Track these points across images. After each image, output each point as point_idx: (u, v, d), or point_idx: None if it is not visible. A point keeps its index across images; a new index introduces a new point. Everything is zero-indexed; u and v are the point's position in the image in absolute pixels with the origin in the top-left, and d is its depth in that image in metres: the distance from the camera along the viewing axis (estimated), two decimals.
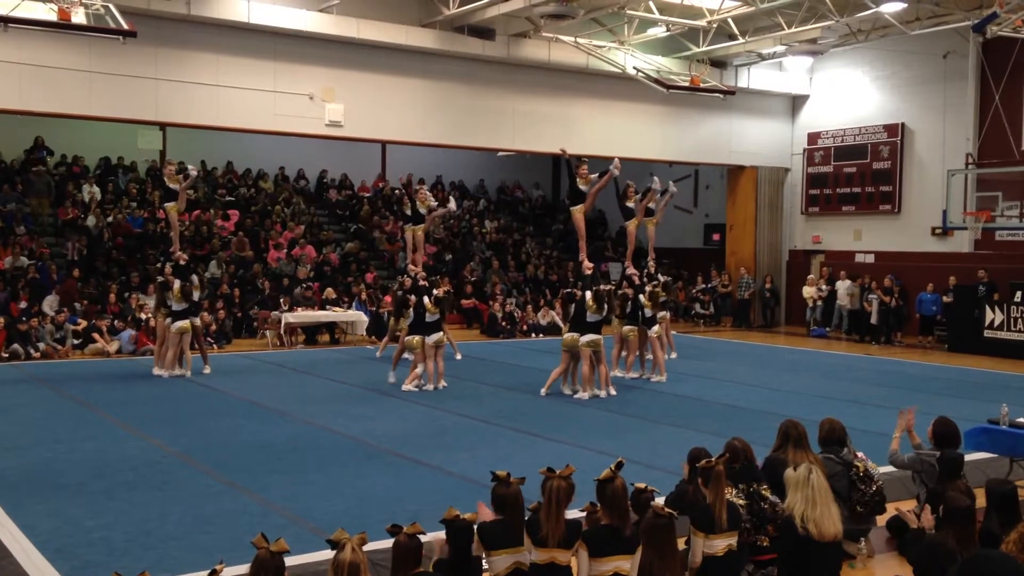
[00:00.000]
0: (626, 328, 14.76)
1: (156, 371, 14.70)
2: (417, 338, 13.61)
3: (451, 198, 18.46)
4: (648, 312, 14.52)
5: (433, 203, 16.19)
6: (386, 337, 17.53)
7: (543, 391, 13.15)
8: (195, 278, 14.94)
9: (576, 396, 12.93)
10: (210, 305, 18.88)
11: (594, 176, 13.95)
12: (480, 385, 14.09)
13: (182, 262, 14.78)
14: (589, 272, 13.32)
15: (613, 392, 13.07)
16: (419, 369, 13.62)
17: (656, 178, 15.96)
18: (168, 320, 14.58)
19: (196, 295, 14.94)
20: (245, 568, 4.77)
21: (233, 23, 17.34)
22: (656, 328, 14.72)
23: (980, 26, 16.69)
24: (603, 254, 27.30)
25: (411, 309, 13.79)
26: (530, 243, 27.82)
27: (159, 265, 17.46)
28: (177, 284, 14.54)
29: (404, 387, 13.45)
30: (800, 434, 6.44)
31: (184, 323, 14.53)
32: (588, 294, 12.76)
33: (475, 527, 4.90)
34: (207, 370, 14.91)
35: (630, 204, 15.57)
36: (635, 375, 14.85)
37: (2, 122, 20.64)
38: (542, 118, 21.32)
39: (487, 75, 20.48)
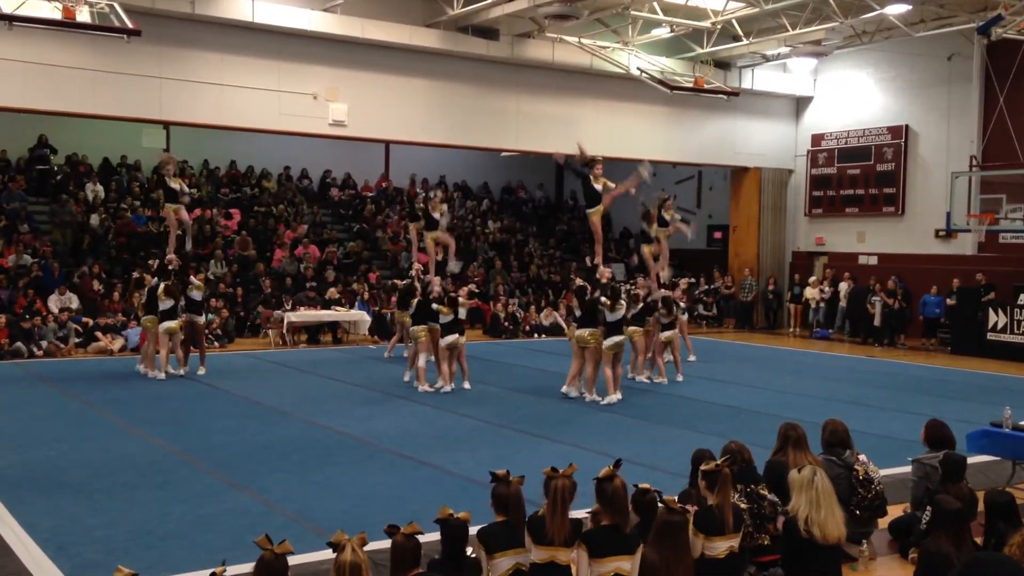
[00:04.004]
0: (631, 329, 14.68)
1: (141, 368, 14.63)
2: (422, 328, 13.58)
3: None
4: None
5: (445, 209, 15.91)
6: (394, 337, 17.51)
7: (581, 394, 12.95)
8: (193, 279, 14.79)
9: (589, 399, 12.84)
10: (210, 305, 18.89)
11: (610, 183, 13.29)
12: (482, 386, 14.08)
13: (171, 267, 14.50)
14: (606, 279, 12.83)
15: (619, 396, 12.78)
16: (421, 361, 13.58)
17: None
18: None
19: (199, 295, 14.88)
20: (246, 568, 4.78)
21: (237, 22, 17.34)
22: (668, 333, 14.67)
23: (985, 28, 16.67)
24: (606, 255, 27.24)
25: (415, 300, 13.77)
26: (533, 243, 27.80)
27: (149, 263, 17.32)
28: (161, 285, 14.31)
29: (420, 388, 13.42)
30: (799, 436, 6.44)
31: (172, 324, 14.32)
32: (603, 298, 12.53)
33: (476, 532, 4.89)
34: (201, 371, 14.80)
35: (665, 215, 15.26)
36: (644, 378, 14.75)
37: (6, 120, 20.65)
38: (546, 118, 21.30)
39: (491, 75, 20.48)
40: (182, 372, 14.60)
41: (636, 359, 14.81)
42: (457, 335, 13.46)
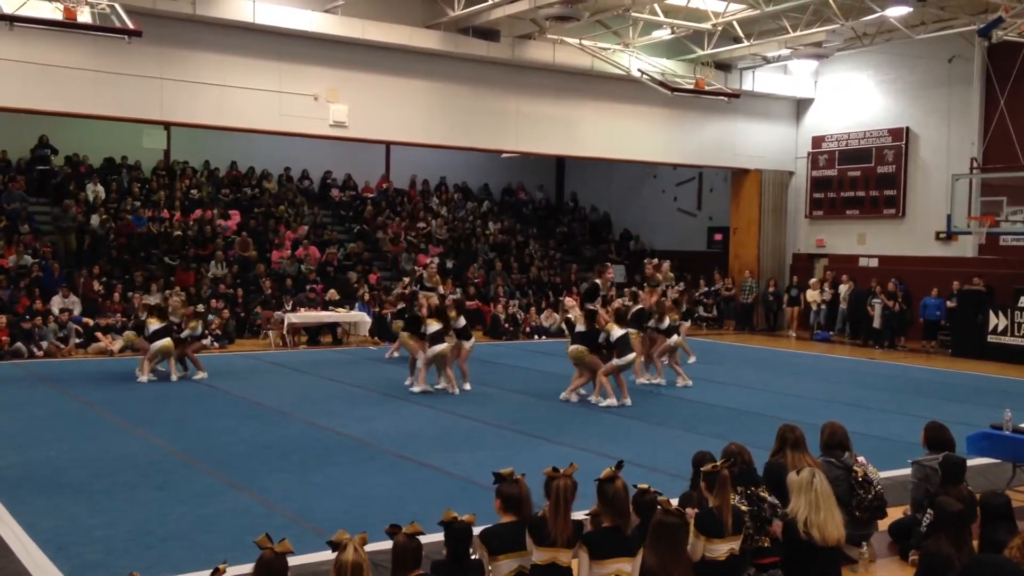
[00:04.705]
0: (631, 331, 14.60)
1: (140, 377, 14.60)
2: (406, 334, 13.67)
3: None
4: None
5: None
6: (398, 340, 17.46)
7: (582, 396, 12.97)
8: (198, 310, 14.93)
9: (594, 401, 12.80)
10: (211, 306, 18.96)
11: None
12: (482, 387, 14.07)
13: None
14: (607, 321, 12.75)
15: (628, 403, 12.69)
16: (420, 362, 13.55)
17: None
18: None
19: (199, 329, 14.89)
20: (246, 568, 4.78)
21: (238, 23, 17.35)
22: (674, 339, 14.65)
23: (985, 31, 16.68)
24: (606, 256, 27.27)
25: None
26: (533, 245, 27.81)
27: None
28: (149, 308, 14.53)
29: (415, 388, 13.46)
30: (797, 438, 6.43)
31: (164, 342, 14.25)
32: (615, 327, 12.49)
33: (479, 533, 4.88)
34: (199, 375, 14.68)
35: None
36: (645, 380, 14.69)
37: (7, 121, 20.66)
38: (546, 120, 21.31)
39: (491, 76, 20.48)
40: (174, 378, 14.45)
41: (636, 361, 14.73)
42: (445, 344, 13.32)
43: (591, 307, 12.94)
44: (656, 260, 16.40)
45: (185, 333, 14.75)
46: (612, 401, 12.47)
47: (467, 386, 13.74)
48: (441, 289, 15.52)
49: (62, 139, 22.90)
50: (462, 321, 13.92)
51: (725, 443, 6.30)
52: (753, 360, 18.34)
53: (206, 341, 15.33)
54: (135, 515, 7.18)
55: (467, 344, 13.87)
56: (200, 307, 16.09)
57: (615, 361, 12.50)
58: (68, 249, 20.59)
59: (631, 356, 12.67)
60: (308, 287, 20.89)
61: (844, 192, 23.76)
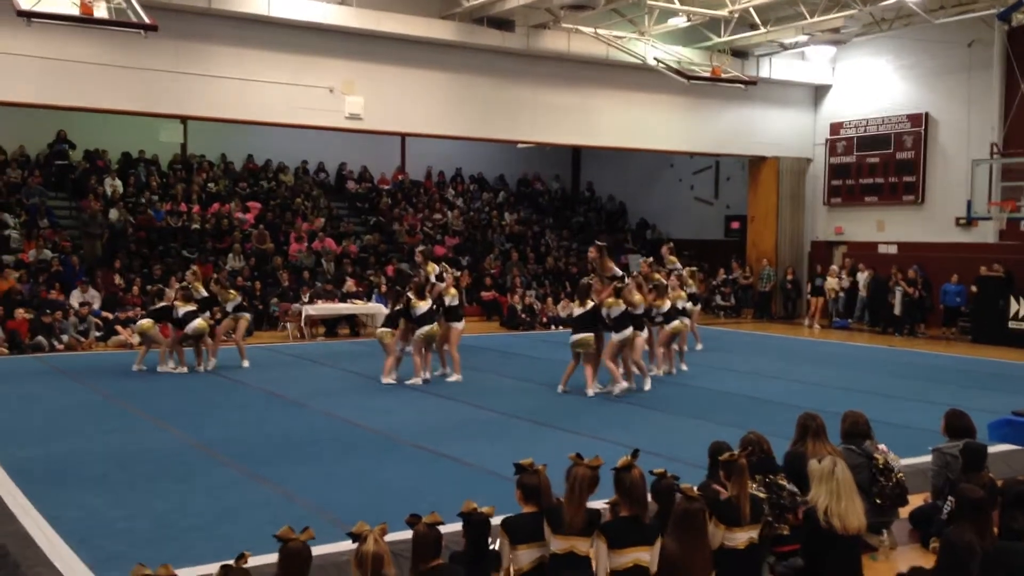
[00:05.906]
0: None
1: (160, 369, 14.61)
2: (385, 330, 13.47)
3: None
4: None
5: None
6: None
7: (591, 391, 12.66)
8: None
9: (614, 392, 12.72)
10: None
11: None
12: (499, 377, 14.09)
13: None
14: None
15: (591, 389, 12.58)
16: (390, 361, 13.46)
17: None
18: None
19: (180, 311, 14.53)
20: (266, 559, 4.81)
21: (254, 16, 17.39)
22: (673, 324, 14.52)
23: (1005, 15, 16.53)
24: (623, 246, 27.21)
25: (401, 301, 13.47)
26: (549, 235, 27.78)
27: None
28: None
29: (384, 380, 13.32)
30: (819, 426, 6.41)
31: (141, 323, 14.78)
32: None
33: (501, 521, 4.89)
34: (211, 363, 14.84)
35: None
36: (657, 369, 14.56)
37: (26, 116, 20.81)
38: (562, 110, 21.25)
39: (507, 67, 20.44)
40: (179, 369, 14.54)
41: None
42: (384, 328, 13.42)
43: (586, 281, 12.82)
44: (651, 258, 16.07)
45: (179, 310, 14.46)
46: (623, 385, 12.37)
47: (425, 375, 13.52)
48: (433, 277, 15.11)
49: (80, 134, 23.04)
50: (424, 307, 13.28)
51: (743, 432, 6.28)
52: (771, 348, 18.27)
53: (197, 323, 14.80)
54: (156, 507, 7.24)
55: (422, 331, 13.39)
56: (186, 276, 15.45)
57: (613, 337, 12.29)
58: (95, 253, 20.64)
59: (627, 332, 12.32)
60: (343, 280, 20.91)
61: (863, 179, 23.58)
